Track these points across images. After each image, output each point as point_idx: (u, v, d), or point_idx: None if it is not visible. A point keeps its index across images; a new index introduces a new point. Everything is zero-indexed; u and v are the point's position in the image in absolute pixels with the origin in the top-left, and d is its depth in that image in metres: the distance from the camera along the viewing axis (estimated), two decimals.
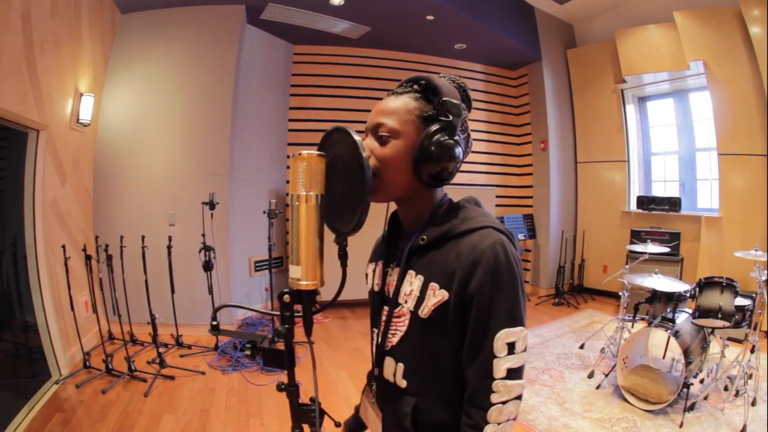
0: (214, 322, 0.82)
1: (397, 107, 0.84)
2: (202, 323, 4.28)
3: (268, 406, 3.12)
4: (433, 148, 0.80)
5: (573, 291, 6.23)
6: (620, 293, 3.86)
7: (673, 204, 5.44)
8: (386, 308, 0.92)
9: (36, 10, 3.15)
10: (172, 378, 3.49)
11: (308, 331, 0.76)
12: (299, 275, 0.73)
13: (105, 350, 3.59)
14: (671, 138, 5.88)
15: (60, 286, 3.54)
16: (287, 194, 0.77)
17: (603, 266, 6.15)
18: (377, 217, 0.99)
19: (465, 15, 4.87)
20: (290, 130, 5.68)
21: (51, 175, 3.55)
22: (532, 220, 6.41)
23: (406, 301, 0.86)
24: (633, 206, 5.90)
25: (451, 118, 0.82)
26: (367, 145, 0.84)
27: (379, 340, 0.93)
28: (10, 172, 3.33)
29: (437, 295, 0.80)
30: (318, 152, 0.76)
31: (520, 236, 6.15)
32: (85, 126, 4.03)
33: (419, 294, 0.83)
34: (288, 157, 5.27)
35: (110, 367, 3.47)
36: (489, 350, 0.75)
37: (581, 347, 4.09)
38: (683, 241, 5.27)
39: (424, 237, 0.86)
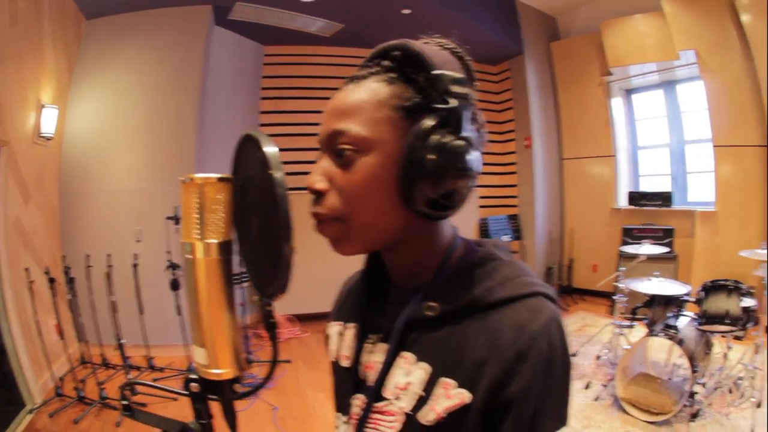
0: (125, 402, 0.62)
1: (361, 100, 0.53)
2: (173, 344, 3.96)
3: None
4: (430, 157, 0.49)
5: (562, 292, 6.01)
6: (613, 296, 3.68)
7: (665, 199, 5.30)
8: (361, 397, 0.61)
9: None
10: (143, 405, 3.21)
11: (231, 426, 0.56)
12: (205, 361, 0.51)
13: (75, 377, 3.41)
14: (661, 131, 5.74)
15: (27, 310, 3.34)
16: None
17: (593, 266, 5.94)
18: None
19: (443, 7, 4.65)
20: None
21: (13, 193, 3.34)
22: (518, 221, 6.19)
23: (398, 398, 0.56)
24: (623, 202, 5.75)
25: (452, 103, 0.50)
26: (323, 171, 0.55)
27: None
28: None
29: (452, 396, 0.52)
30: (218, 176, 0.51)
31: (506, 238, 5.88)
32: (48, 139, 3.80)
33: (423, 393, 0.54)
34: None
35: (82, 394, 3.28)
36: None
37: (574, 355, 3.90)
38: (677, 237, 5.12)
39: (434, 305, 0.55)
